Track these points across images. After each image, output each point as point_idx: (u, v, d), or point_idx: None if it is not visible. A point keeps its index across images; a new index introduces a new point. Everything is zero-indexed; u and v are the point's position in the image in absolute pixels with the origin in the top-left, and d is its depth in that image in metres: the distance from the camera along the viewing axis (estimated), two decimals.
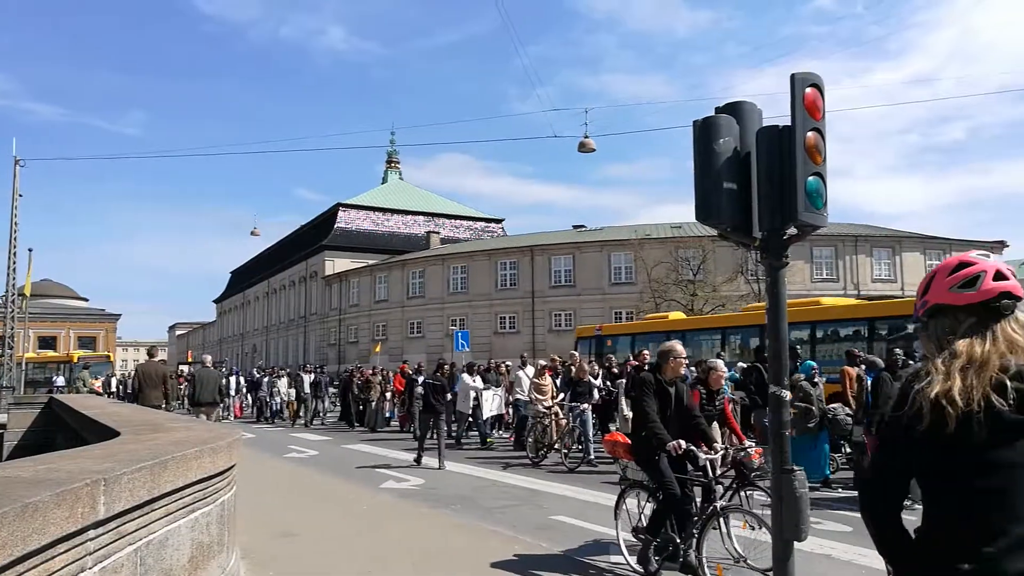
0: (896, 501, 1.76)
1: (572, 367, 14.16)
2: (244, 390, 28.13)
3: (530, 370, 15.73)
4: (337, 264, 62.37)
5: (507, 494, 9.79)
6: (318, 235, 66.42)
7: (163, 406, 12.26)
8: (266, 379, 25.77)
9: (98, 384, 30.90)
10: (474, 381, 16.54)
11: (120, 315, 77.14)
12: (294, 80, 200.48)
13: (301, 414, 22.78)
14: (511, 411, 16.29)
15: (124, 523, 3.07)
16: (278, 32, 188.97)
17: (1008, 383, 1.61)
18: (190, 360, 54.98)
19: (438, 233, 65.76)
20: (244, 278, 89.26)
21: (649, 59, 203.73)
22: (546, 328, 47.55)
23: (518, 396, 15.10)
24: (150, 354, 13.35)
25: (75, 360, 43.07)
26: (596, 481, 10.41)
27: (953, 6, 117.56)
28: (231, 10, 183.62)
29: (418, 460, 12.67)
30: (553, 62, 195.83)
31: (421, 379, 17.59)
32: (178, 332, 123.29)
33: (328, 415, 24.43)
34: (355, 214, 66.97)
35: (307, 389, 22.58)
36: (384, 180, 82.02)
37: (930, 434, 1.65)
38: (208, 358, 16.24)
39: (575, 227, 56.49)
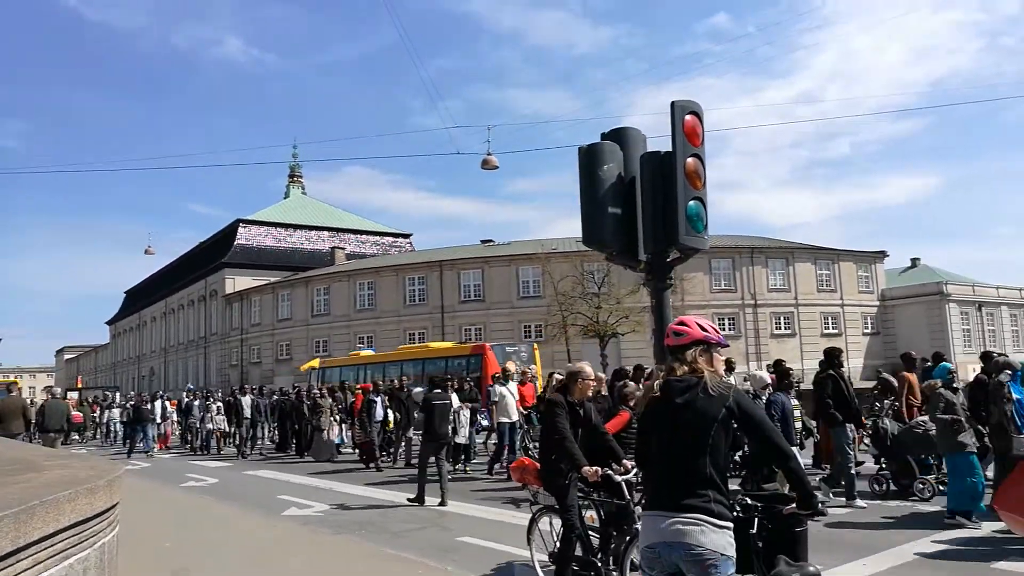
0: (644, 450, 3.16)
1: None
2: (172, 416, 25.00)
3: (513, 386, 14.02)
4: (238, 282, 60.45)
5: (414, 517, 9.67)
6: (217, 252, 64.25)
7: (22, 435, 13.89)
8: (196, 403, 22.47)
9: None
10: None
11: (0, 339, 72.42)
12: (188, 91, 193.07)
13: (237, 442, 20.15)
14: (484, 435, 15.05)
15: None
16: (168, 41, 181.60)
17: (661, 383, 3.01)
18: (80, 386, 52.05)
19: (343, 249, 64.73)
20: (139, 298, 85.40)
21: (552, 74, 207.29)
22: (456, 343, 47.36)
23: (503, 419, 13.38)
24: (8, 389, 15.09)
25: None
26: (505, 501, 10.41)
27: (835, 31, 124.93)
28: (117, 18, 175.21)
29: (420, 500, 10.36)
30: (458, 75, 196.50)
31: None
32: (67, 356, 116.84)
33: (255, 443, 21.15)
34: (256, 230, 65.14)
35: (247, 413, 19.79)
36: (286, 195, 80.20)
37: (643, 414, 3.13)
38: (58, 390, 17.48)
39: (483, 242, 56.67)
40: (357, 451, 16.81)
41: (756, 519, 3.06)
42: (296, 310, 53.84)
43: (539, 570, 5.97)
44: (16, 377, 55.37)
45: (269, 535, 8.44)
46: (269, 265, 62.15)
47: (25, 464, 5.40)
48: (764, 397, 9.02)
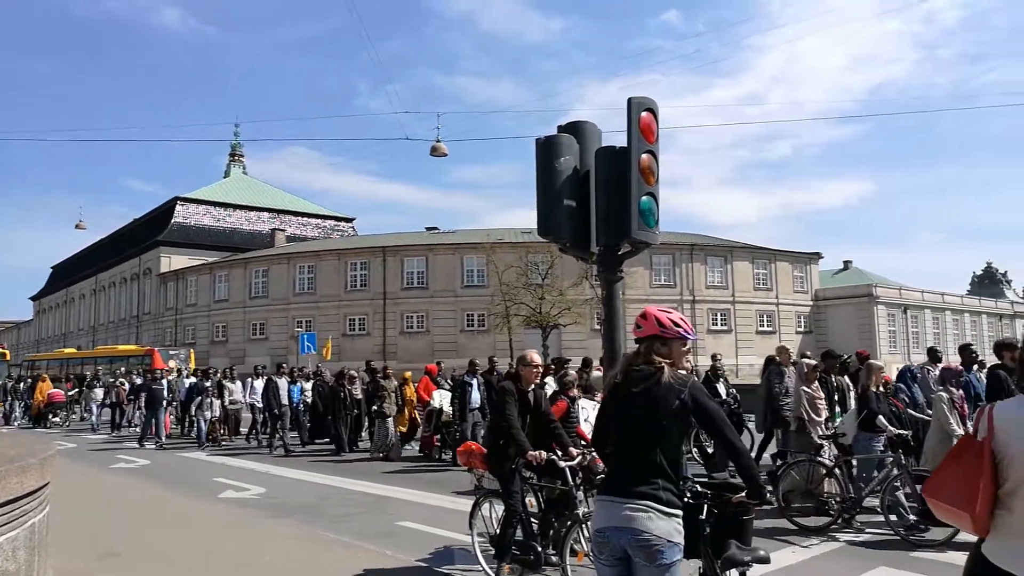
0: (602, 433, 3.32)
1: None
2: (177, 399, 19.76)
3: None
4: (174, 261, 58.98)
5: (353, 501, 9.62)
6: (153, 230, 62.53)
7: None
8: (208, 384, 17.87)
9: None
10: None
11: None
12: (125, 61, 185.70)
13: (278, 435, 15.61)
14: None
15: None
16: (104, 5, 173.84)
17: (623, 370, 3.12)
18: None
19: (284, 231, 63.72)
20: (67, 274, 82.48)
21: (501, 63, 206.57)
22: (398, 330, 47.14)
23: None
24: None
25: None
26: (445, 487, 10.43)
27: (781, 34, 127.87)
28: None
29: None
30: (406, 59, 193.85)
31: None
32: None
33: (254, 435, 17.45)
34: (194, 209, 63.56)
35: (284, 400, 15.88)
36: (226, 174, 78.39)
37: (604, 399, 3.27)
38: None
39: (428, 229, 56.42)
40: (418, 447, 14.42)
41: (705, 506, 3.20)
42: (234, 291, 52.71)
43: (479, 554, 6.02)
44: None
45: (204, 519, 8.29)
46: (207, 245, 60.78)
47: None
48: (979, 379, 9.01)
